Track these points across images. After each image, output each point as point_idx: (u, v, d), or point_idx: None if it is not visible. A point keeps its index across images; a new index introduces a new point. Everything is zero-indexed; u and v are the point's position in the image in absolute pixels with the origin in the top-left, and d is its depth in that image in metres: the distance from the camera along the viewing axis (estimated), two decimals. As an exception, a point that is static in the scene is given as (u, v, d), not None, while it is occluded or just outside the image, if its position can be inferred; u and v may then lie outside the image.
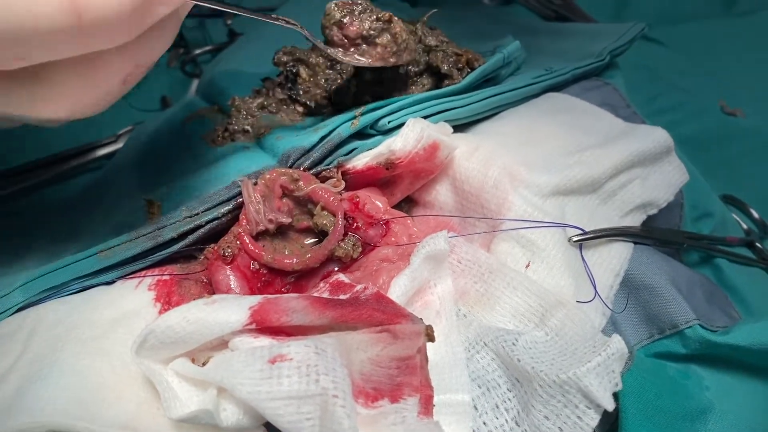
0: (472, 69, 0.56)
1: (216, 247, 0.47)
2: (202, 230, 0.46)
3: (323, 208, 0.47)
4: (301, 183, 0.48)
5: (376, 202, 0.49)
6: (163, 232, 0.45)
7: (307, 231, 0.49)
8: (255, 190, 0.47)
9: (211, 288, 0.46)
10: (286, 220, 0.48)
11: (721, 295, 0.54)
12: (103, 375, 0.38)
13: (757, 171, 0.71)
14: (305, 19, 0.50)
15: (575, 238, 0.48)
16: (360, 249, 0.47)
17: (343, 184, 0.48)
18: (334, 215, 0.47)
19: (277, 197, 0.48)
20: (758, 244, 0.60)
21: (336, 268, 0.47)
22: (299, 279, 0.47)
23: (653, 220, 0.55)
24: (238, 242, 0.46)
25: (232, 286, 0.45)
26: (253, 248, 0.46)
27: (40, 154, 0.69)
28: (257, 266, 0.46)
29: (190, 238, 0.46)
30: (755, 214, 0.65)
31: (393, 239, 0.48)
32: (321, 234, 0.48)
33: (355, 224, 0.47)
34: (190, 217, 0.46)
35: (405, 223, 0.49)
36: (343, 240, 0.47)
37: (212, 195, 0.47)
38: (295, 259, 0.46)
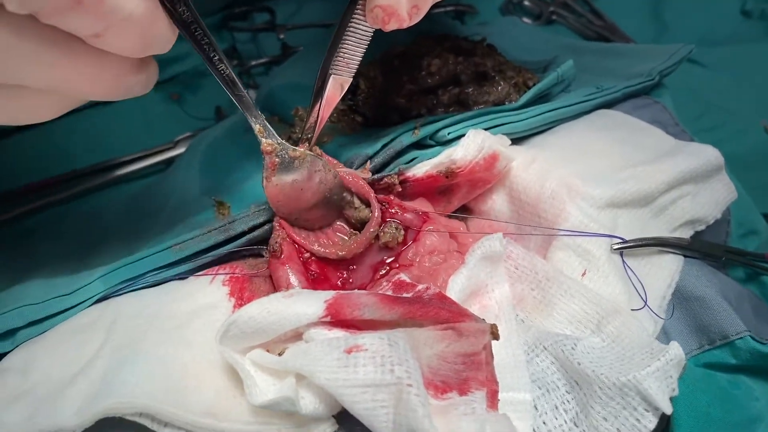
0: (528, 88, 0.58)
1: (269, 246, 0.49)
2: (269, 225, 0.49)
3: (361, 200, 0.50)
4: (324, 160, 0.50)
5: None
6: (234, 225, 0.48)
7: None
8: None
9: (277, 285, 0.48)
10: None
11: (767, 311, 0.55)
12: (185, 363, 0.40)
13: (799, 191, 0.72)
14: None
15: (615, 246, 0.49)
16: (402, 232, 0.49)
17: (369, 174, 0.51)
18: (368, 198, 0.49)
19: None
20: (798, 263, 0.61)
21: (386, 258, 0.49)
22: (351, 273, 0.49)
23: (701, 235, 0.56)
24: (282, 233, 0.48)
25: (292, 280, 0.47)
26: (295, 234, 0.48)
27: (102, 157, 0.73)
28: (307, 256, 0.49)
29: (259, 231, 0.49)
30: (795, 233, 0.66)
31: (433, 227, 0.50)
32: (361, 227, 0.50)
33: (391, 209, 0.50)
34: (259, 211, 0.49)
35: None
36: (384, 225, 0.49)
37: None
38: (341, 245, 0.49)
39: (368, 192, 0.49)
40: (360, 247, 0.48)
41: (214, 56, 0.41)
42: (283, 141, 0.46)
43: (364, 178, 0.50)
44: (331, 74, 0.48)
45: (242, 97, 0.44)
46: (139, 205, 0.63)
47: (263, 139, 0.46)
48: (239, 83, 0.44)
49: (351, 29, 0.46)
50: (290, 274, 0.47)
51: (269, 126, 0.46)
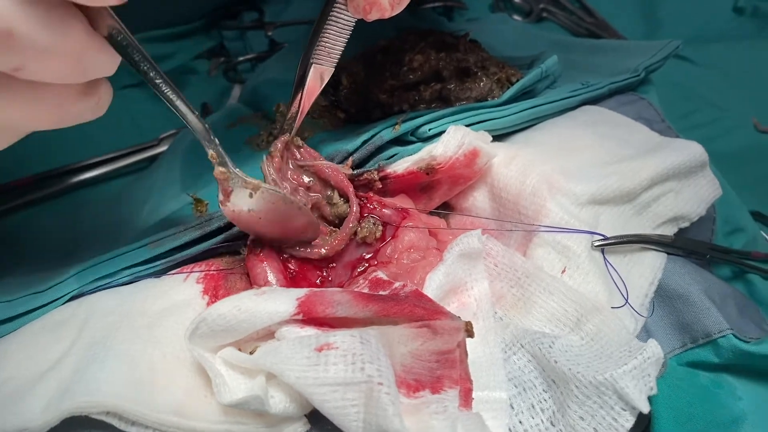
0: (511, 84, 0.58)
1: (249, 241, 0.48)
2: None
3: (340, 196, 0.49)
4: (303, 150, 0.49)
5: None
6: (211, 222, 0.48)
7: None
8: (271, 166, 0.47)
9: (255, 283, 0.48)
10: (307, 179, 0.49)
11: (754, 309, 0.54)
12: (155, 361, 0.40)
13: (791, 189, 0.71)
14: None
15: (596, 243, 0.49)
16: (381, 227, 0.49)
17: (351, 170, 0.50)
18: (345, 193, 0.48)
19: (285, 163, 0.48)
20: (785, 260, 0.60)
21: (365, 254, 0.49)
22: (331, 271, 0.48)
23: (685, 232, 0.55)
24: None
25: (269, 278, 0.46)
26: None
27: (86, 155, 0.72)
28: (285, 256, 0.48)
29: (236, 228, 0.48)
30: (783, 231, 0.65)
31: (411, 224, 0.49)
32: (339, 223, 0.49)
33: (370, 205, 0.49)
34: None
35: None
36: (362, 220, 0.48)
37: None
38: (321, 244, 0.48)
39: (347, 186, 0.48)
40: (341, 244, 0.48)
41: (159, 81, 0.38)
42: (238, 171, 0.43)
43: (344, 173, 0.49)
44: (312, 63, 0.48)
45: (192, 123, 0.41)
46: (121, 203, 0.63)
47: (216, 166, 0.42)
48: (189, 108, 0.40)
49: (333, 18, 0.46)
50: (268, 271, 0.46)
51: (223, 153, 0.42)
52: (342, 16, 0.46)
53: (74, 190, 0.69)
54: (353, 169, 0.50)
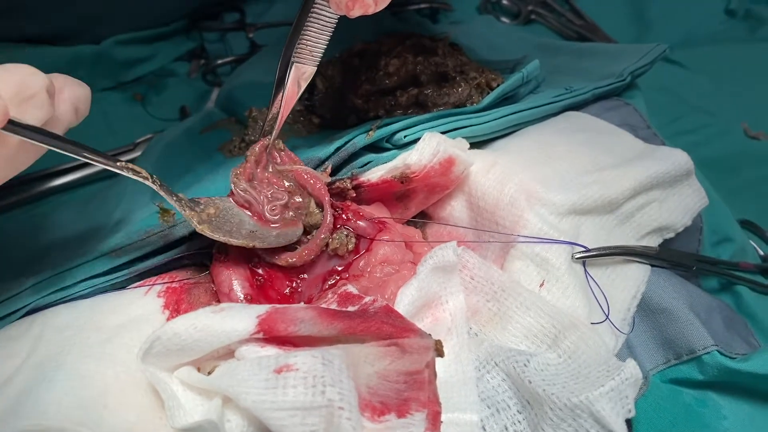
0: (491, 89, 0.56)
1: (214, 247, 0.46)
2: None
3: (316, 204, 0.47)
4: (283, 154, 0.48)
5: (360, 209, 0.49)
6: (175, 230, 0.46)
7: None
8: (242, 176, 0.46)
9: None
10: (286, 183, 0.47)
11: (741, 322, 0.52)
12: (107, 380, 0.38)
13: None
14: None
15: (577, 256, 0.47)
16: (354, 240, 0.47)
17: (329, 178, 0.48)
18: (321, 202, 0.47)
19: (263, 167, 0.47)
20: (774, 271, 0.59)
21: (337, 267, 0.47)
22: (302, 281, 0.47)
23: (671, 243, 0.54)
24: None
25: (234, 286, 0.44)
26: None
27: (57, 161, 0.70)
28: (255, 260, 0.46)
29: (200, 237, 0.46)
30: (773, 240, 0.63)
31: (387, 237, 0.48)
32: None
33: (345, 215, 0.47)
34: None
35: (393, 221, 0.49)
36: (335, 231, 0.46)
37: None
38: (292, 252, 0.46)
39: (323, 195, 0.47)
40: (311, 255, 0.46)
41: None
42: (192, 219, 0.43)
43: (322, 181, 0.47)
44: (293, 62, 0.46)
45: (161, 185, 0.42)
46: (89, 211, 0.61)
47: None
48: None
49: (314, 15, 0.44)
50: (233, 279, 0.45)
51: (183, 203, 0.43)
52: (324, 12, 0.44)
53: (45, 196, 0.67)
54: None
